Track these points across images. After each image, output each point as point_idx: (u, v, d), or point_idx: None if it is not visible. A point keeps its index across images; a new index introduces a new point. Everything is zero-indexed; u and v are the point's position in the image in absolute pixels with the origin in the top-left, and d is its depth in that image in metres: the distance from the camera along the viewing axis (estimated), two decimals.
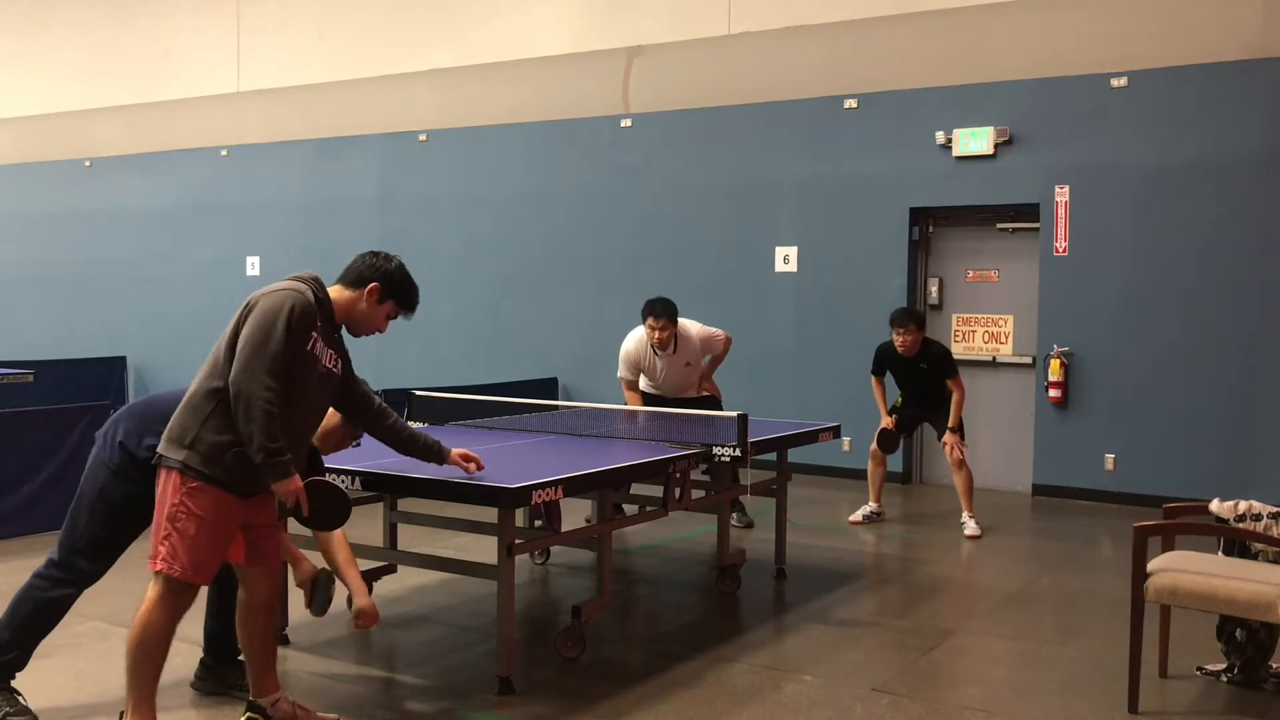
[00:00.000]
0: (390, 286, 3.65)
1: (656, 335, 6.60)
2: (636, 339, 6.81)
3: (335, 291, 3.61)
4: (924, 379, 7.37)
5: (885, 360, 7.49)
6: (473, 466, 4.00)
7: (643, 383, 6.97)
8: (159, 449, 3.41)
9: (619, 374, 6.95)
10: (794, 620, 5.24)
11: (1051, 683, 4.39)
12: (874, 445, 7.56)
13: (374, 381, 11.40)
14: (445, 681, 4.28)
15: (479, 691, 4.15)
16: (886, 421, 7.50)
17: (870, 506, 7.62)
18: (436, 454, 3.96)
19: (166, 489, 3.36)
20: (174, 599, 3.37)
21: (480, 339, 11.20)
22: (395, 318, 3.74)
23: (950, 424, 7.27)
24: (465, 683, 4.25)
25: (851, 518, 7.58)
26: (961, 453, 7.28)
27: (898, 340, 7.28)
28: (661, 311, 6.58)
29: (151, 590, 3.39)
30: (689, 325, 6.85)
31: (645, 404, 6.83)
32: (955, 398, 7.28)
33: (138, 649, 3.37)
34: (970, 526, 7.23)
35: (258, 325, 3.31)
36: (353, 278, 3.63)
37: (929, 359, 7.31)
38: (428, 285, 11.14)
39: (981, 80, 8.78)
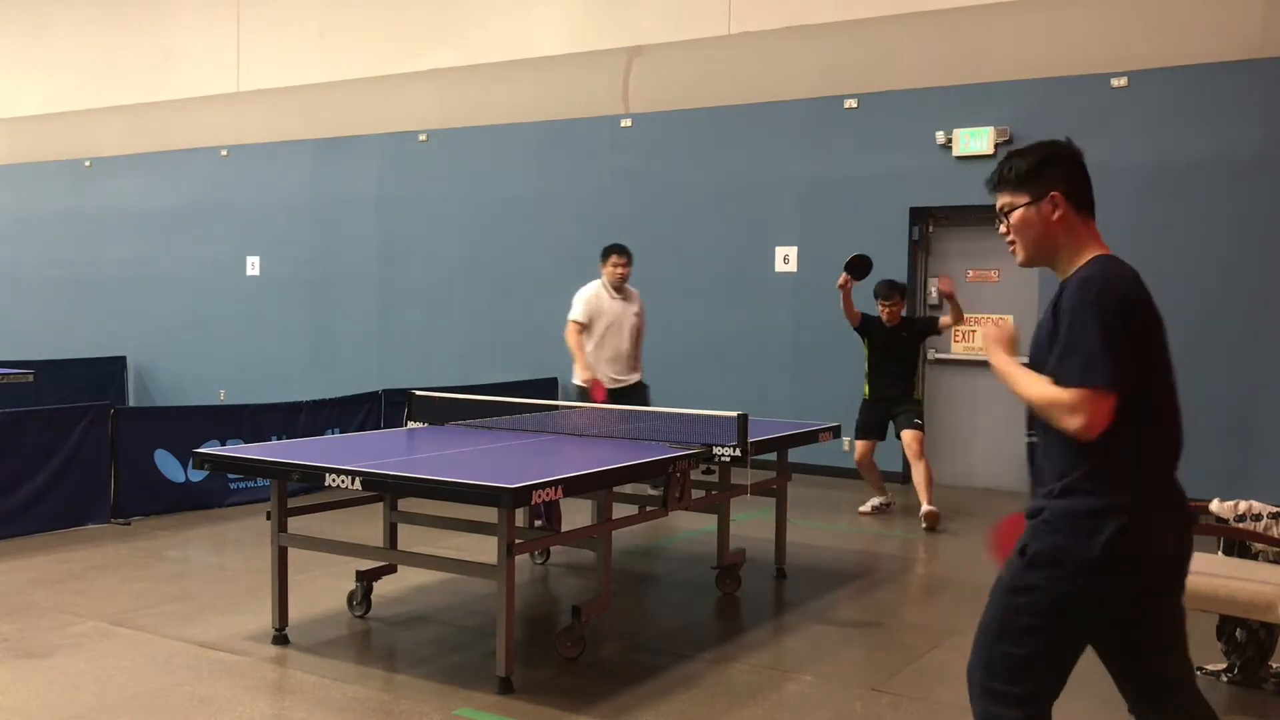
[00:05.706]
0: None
1: (619, 271, 7.17)
2: (593, 287, 7.23)
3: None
4: (901, 349, 7.58)
5: (869, 324, 7.67)
6: None
7: (593, 356, 7.05)
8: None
9: (572, 316, 7.13)
10: (794, 620, 5.24)
11: None
12: (858, 450, 7.62)
13: (374, 382, 11.31)
14: (445, 681, 4.27)
15: (479, 691, 4.15)
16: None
17: (878, 499, 7.79)
18: None
19: None
20: None
21: (480, 339, 11.20)
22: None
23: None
24: (465, 683, 4.25)
25: (861, 509, 7.77)
26: (920, 445, 7.43)
27: (884, 312, 7.56)
28: (625, 250, 7.21)
29: None
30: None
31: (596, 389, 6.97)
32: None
33: None
34: (925, 507, 7.30)
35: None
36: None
37: (909, 329, 7.62)
38: (428, 285, 11.03)
39: (981, 80, 8.77)
